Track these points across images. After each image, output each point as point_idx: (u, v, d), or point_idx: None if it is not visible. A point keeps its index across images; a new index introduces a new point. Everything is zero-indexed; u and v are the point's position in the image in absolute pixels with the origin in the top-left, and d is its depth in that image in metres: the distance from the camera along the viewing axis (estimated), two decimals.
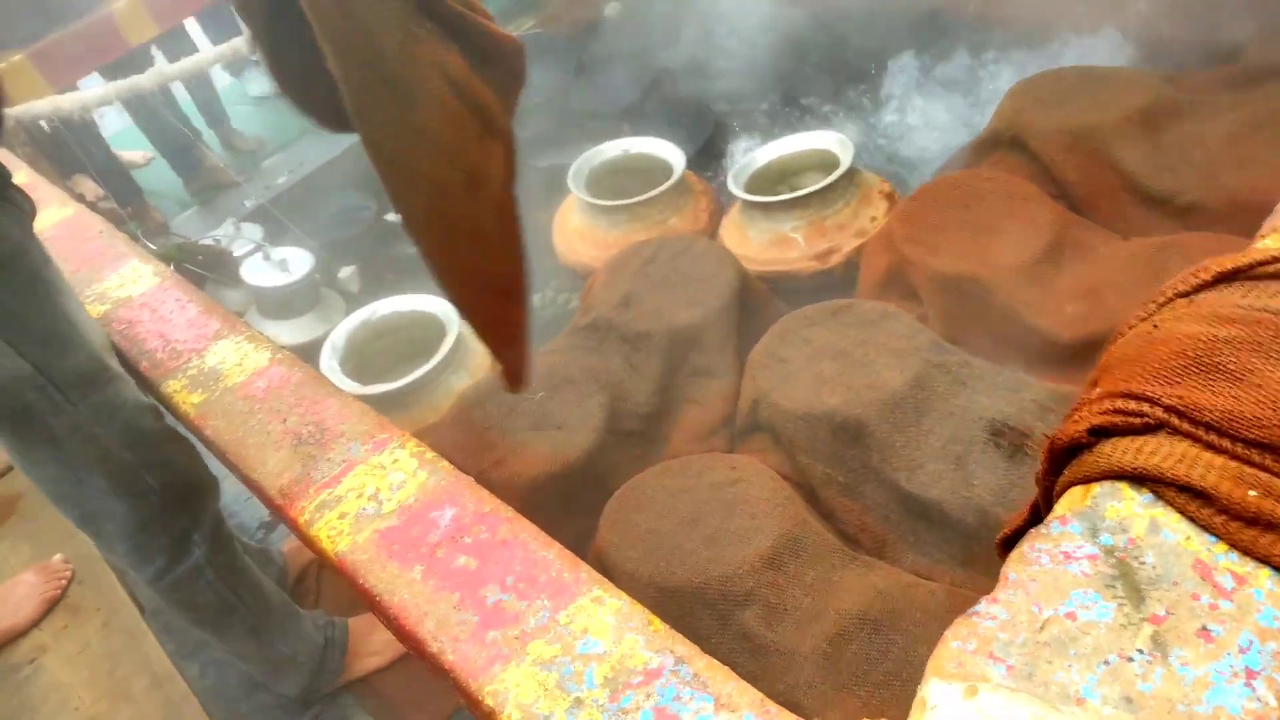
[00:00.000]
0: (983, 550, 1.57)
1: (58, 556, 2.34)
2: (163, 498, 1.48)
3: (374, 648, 1.90)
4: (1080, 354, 1.82)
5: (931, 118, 2.94)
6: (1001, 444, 1.61)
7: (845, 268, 2.45)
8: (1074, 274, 1.91)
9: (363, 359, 2.51)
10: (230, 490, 2.10)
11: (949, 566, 1.64)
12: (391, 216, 3.34)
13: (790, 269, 2.49)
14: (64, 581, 2.29)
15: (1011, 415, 1.64)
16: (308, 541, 1.10)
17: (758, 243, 2.54)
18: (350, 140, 3.73)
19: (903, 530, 1.71)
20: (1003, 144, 2.29)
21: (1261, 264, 0.83)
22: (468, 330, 2.44)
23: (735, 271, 2.23)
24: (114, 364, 1.43)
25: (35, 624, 2.21)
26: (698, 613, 1.55)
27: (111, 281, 1.64)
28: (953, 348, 1.83)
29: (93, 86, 3.06)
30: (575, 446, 1.94)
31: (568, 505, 1.92)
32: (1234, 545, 0.70)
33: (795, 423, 1.84)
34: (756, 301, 2.31)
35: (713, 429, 2.09)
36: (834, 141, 2.53)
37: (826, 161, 2.55)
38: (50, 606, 2.24)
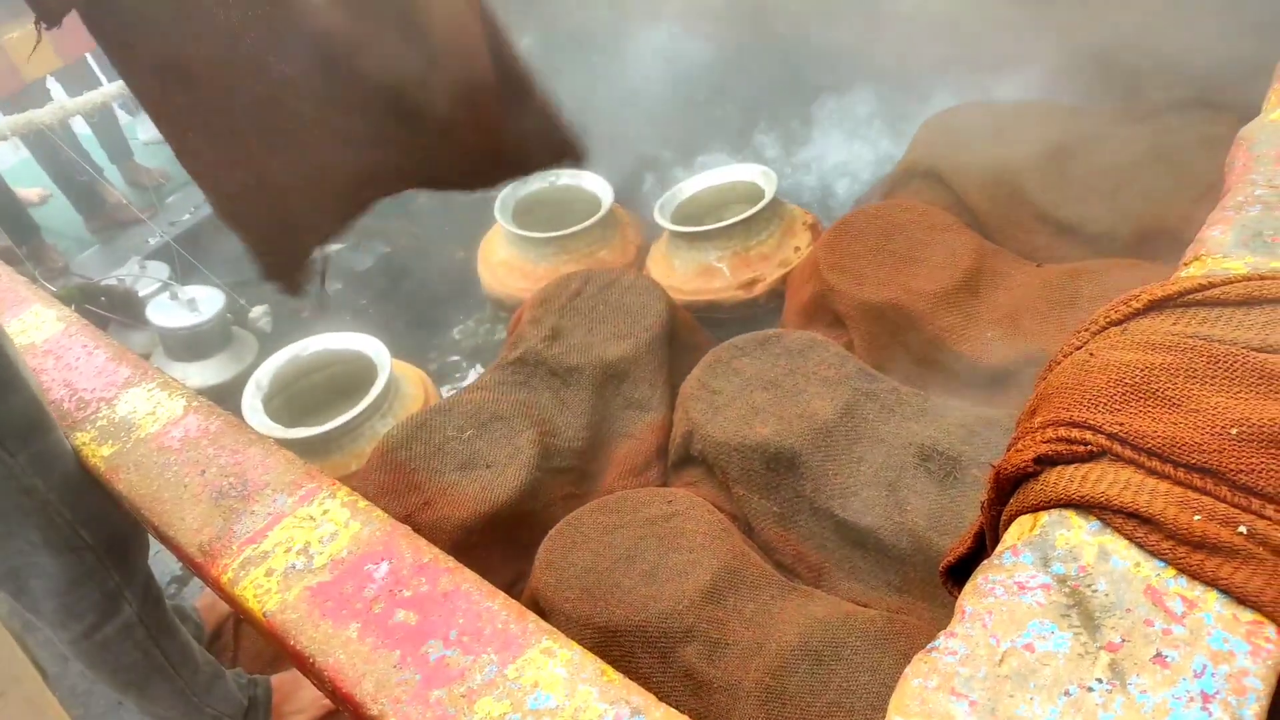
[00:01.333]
0: (918, 575, 1.58)
1: None
2: (96, 554, 1.39)
3: (299, 705, 1.82)
4: (1002, 378, 1.86)
5: (849, 152, 3.01)
6: (932, 469, 1.63)
7: (769, 296, 2.48)
8: (992, 300, 1.96)
9: (290, 397, 2.43)
10: None
11: (885, 593, 1.65)
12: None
13: (715, 298, 2.51)
14: None
15: (940, 440, 1.66)
16: (232, 602, 1.04)
17: (683, 273, 2.55)
18: None
19: (839, 558, 1.72)
20: (918, 176, 2.35)
21: (1189, 291, 0.85)
22: (399, 374, 2.38)
23: (664, 303, 2.23)
24: (50, 411, 1.34)
25: None
26: (638, 652, 1.52)
27: (13, 328, 1.54)
28: (881, 375, 1.85)
29: None
30: (506, 486, 1.90)
31: (500, 547, 1.87)
32: (1182, 570, 0.71)
33: (729, 454, 1.83)
34: (685, 333, 2.31)
35: (647, 462, 2.07)
36: (758, 174, 2.57)
37: (751, 194, 2.58)
38: None
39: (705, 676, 1.46)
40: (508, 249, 2.79)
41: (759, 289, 2.48)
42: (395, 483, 1.91)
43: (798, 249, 2.50)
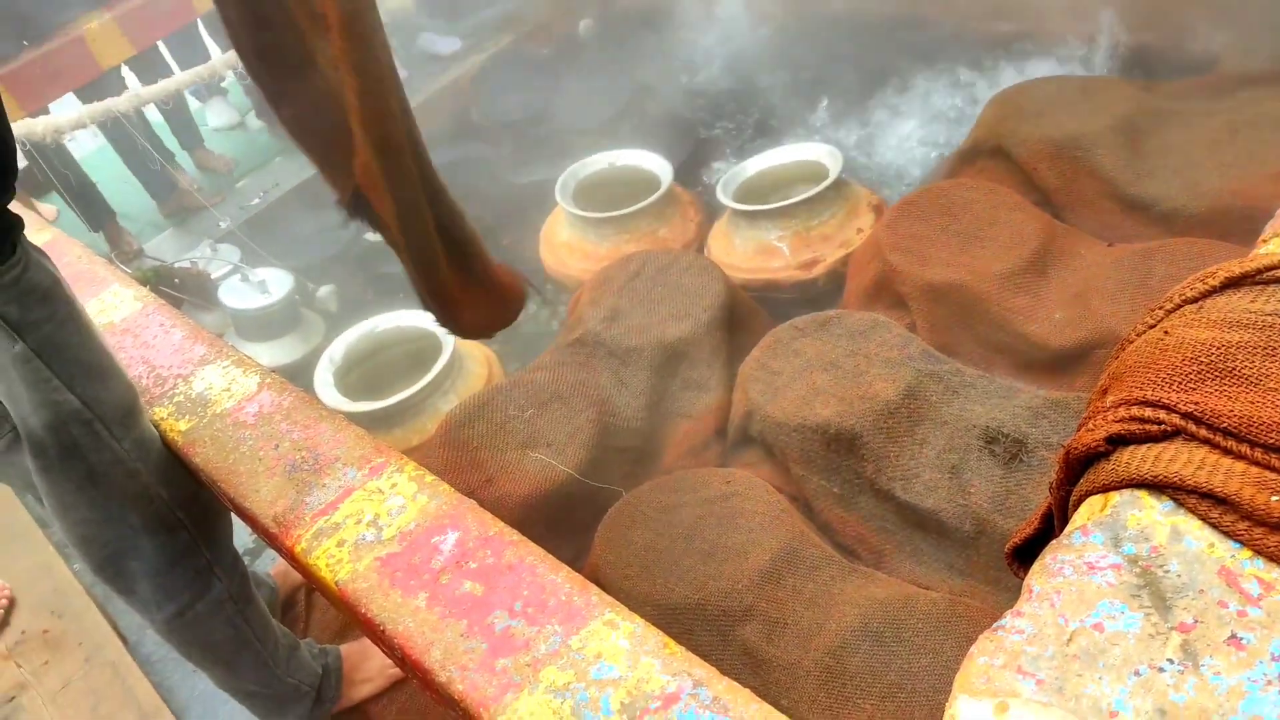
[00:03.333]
0: (981, 559, 1.56)
1: None
2: (190, 533, 1.44)
3: (367, 675, 1.87)
4: (1070, 360, 1.83)
5: (914, 130, 2.96)
6: (996, 451, 1.61)
7: (828, 278, 2.46)
8: (1061, 281, 1.92)
9: (364, 372, 2.52)
10: None
11: (947, 576, 1.63)
12: (370, 236, 3.31)
13: (774, 277, 2.50)
14: (5, 602, 2.25)
15: (1005, 422, 1.64)
16: (305, 571, 1.07)
17: (743, 251, 2.54)
18: None
19: (899, 540, 1.71)
20: (984, 154, 2.31)
21: (1268, 269, 0.83)
22: (464, 352, 2.42)
23: (722, 284, 2.22)
24: (142, 403, 1.39)
25: None
26: (697, 630, 1.53)
27: (92, 308, 1.60)
28: (944, 356, 1.83)
29: (65, 109, 3.01)
30: (566, 464, 1.92)
31: (560, 524, 1.89)
32: (1258, 551, 0.69)
33: (789, 434, 1.83)
34: (744, 314, 2.30)
35: (705, 443, 2.08)
36: (824, 153, 2.54)
37: (816, 174, 2.56)
38: None
39: (764, 655, 1.47)
40: (569, 230, 2.81)
41: (818, 269, 2.46)
42: (458, 460, 1.95)
43: (860, 230, 2.47)
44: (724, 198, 2.55)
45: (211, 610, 1.52)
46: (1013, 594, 1.55)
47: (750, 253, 2.52)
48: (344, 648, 1.91)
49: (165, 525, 1.40)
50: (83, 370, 1.25)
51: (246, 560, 2.45)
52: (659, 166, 2.76)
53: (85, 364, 1.26)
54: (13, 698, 2.05)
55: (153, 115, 4.10)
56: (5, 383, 1.21)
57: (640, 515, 1.71)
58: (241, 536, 2.45)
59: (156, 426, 1.36)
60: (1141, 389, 0.81)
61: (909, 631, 1.43)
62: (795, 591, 1.52)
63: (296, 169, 3.85)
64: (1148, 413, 0.79)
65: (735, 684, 0.79)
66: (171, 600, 1.48)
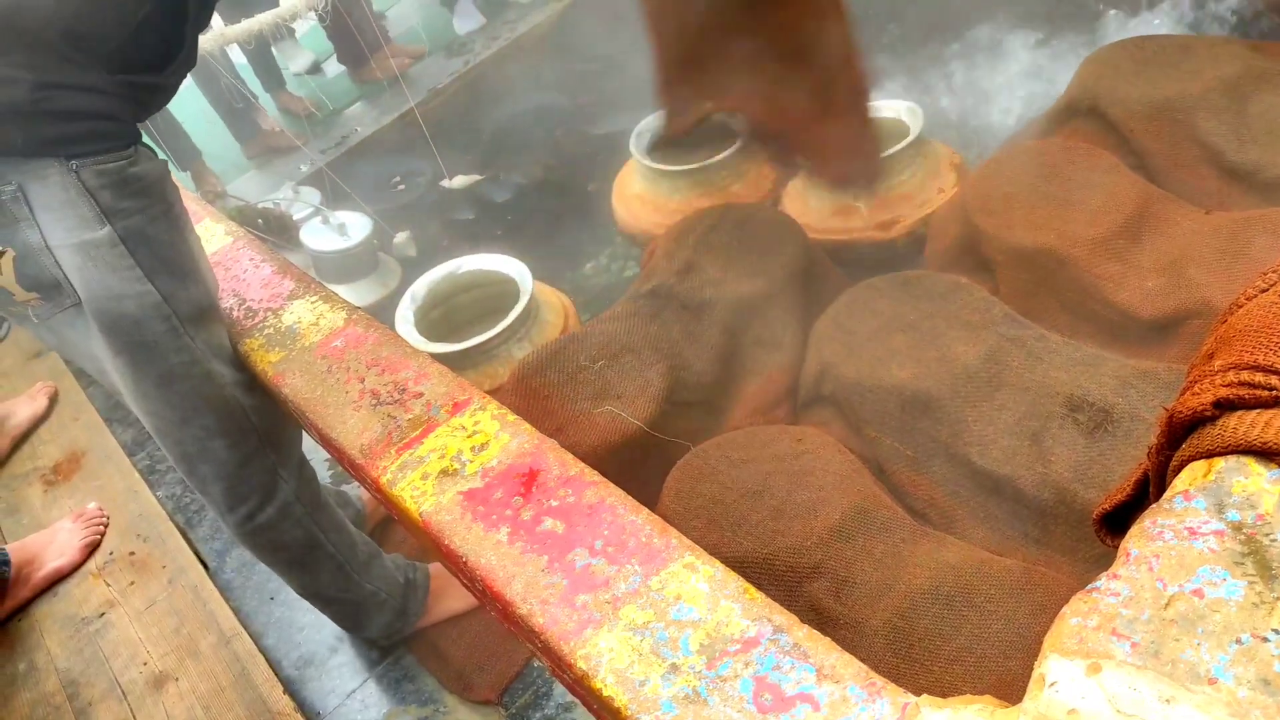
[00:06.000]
0: (1060, 529, 1.54)
1: (93, 504, 2.40)
2: (260, 437, 1.49)
3: (459, 591, 1.91)
4: (1161, 330, 1.77)
5: (1004, 89, 2.86)
6: (1081, 420, 1.57)
7: (907, 240, 2.40)
8: (1154, 248, 1.85)
9: (447, 310, 2.57)
10: None
11: (1022, 544, 1.61)
12: (446, 182, 3.34)
13: (851, 238, 2.45)
14: (102, 527, 2.36)
15: (1091, 391, 1.59)
16: (389, 502, 1.10)
17: (819, 210, 2.49)
18: (403, 107, 3.73)
19: (973, 507, 1.68)
20: (1079, 114, 2.22)
21: None
22: (543, 300, 2.45)
23: (800, 241, 2.20)
24: (220, 310, 1.45)
25: (78, 567, 2.27)
26: (764, 585, 1.53)
27: None
28: (1027, 322, 1.79)
29: None
30: (635, 417, 1.93)
31: (628, 475, 1.89)
32: None
33: (862, 395, 1.81)
34: (820, 272, 2.27)
35: (775, 401, 2.07)
36: (904, 110, 2.47)
37: (897, 130, 2.50)
38: (91, 551, 2.31)
39: (831, 613, 1.47)
40: (641, 183, 2.79)
41: (896, 230, 2.41)
42: (530, 408, 1.97)
43: (941, 190, 2.41)
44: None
45: (280, 514, 1.57)
46: (1091, 565, 1.52)
47: (826, 212, 2.48)
48: (433, 566, 1.95)
49: (237, 428, 1.45)
50: (165, 266, 1.29)
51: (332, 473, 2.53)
52: (734, 121, 2.71)
53: (169, 260, 1.30)
54: (102, 614, 2.15)
55: (236, 57, 4.17)
56: (87, 266, 1.24)
57: (709, 469, 1.72)
58: (325, 472, 2.53)
59: (247, 356, 1.40)
60: (1252, 353, 0.78)
61: (980, 597, 1.41)
62: (864, 551, 1.52)
63: (377, 114, 3.89)
64: (1258, 378, 0.76)
65: (815, 632, 0.80)
66: (242, 503, 1.54)
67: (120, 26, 1.18)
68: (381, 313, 2.88)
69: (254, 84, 4.21)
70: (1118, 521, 0.96)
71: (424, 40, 4.41)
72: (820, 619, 1.48)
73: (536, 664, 1.89)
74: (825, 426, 1.91)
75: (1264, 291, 0.88)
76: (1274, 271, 0.89)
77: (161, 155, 1.40)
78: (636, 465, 1.92)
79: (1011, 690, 1.16)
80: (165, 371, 1.33)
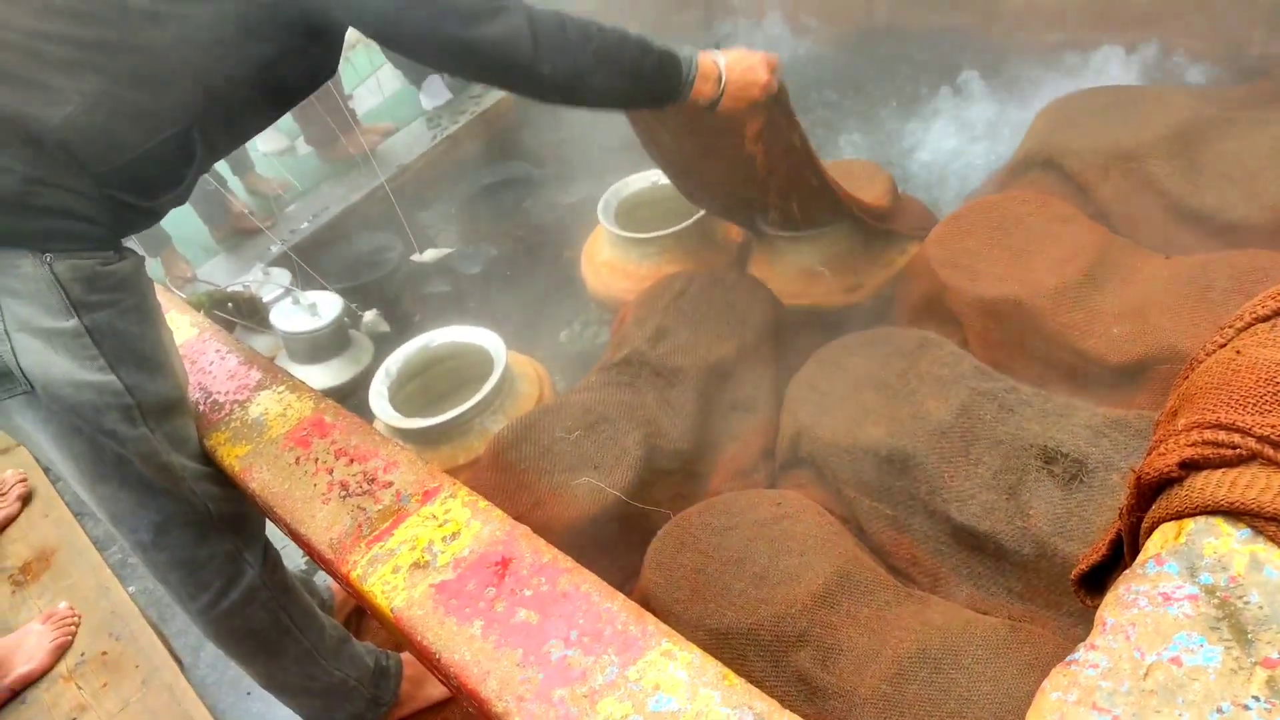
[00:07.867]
0: (1042, 583, 1.53)
1: (63, 604, 2.34)
2: (217, 525, 1.47)
3: (435, 682, 1.86)
4: (1130, 375, 1.78)
5: (959, 144, 2.93)
6: (1056, 472, 1.57)
7: (873, 301, 2.42)
8: (1118, 295, 1.87)
9: (424, 382, 2.57)
10: None
11: (1006, 600, 1.60)
12: (417, 256, 3.35)
13: (817, 302, 2.46)
14: (73, 627, 2.29)
15: (1064, 442, 1.60)
16: (360, 597, 1.08)
17: (785, 276, 2.51)
18: (373, 184, 3.73)
19: (955, 564, 1.67)
20: (1036, 165, 2.27)
21: None
22: (517, 371, 2.45)
23: (769, 303, 2.21)
24: (189, 403, 1.43)
25: (48, 671, 2.20)
26: (750, 655, 1.51)
27: None
28: (998, 374, 1.80)
29: None
30: (614, 486, 1.91)
31: (609, 547, 1.88)
32: None
33: (839, 455, 1.80)
34: (790, 333, 2.28)
35: (753, 464, 2.06)
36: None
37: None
38: (61, 654, 2.24)
39: (819, 682, 1.44)
40: (610, 250, 2.81)
41: (862, 293, 2.42)
42: (507, 483, 1.95)
43: (904, 251, 2.44)
44: (761, 223, 2.53)
45: (246, 598, 1.54)
46: (1075, 619, 1.51)
47: (792, 276, 2.49)
48: (407, 655, 1.90)
49: (192, 517, 1.43)
50: (132, 357, 1.28)
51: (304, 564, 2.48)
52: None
53: (136, 353, 1.29)
54: (74, 719, 2.08)
55: None
56: (47, 352, 1.22)
57: (690, 538, 1.70)
58: (297, 558, 2.49)
59: (213, 452, 1.38)
60: (1214, 411, 0.78)
61: (967, 658, 1.40)
62: (850, 616, 1.50)
63: (345, 192, 3.91)
64: (1221, 436, 0.76)
65: (797, 717, 0.78)
66: (204, 589, 1.50)
67: (120, 153, 1.19)
68: (356, 391, 2.86)
69: (222, 167, 4.22)
70: (1095, 581, 0.95)
71: (391, 117, 4.45)
72: (809, 689, 1.45)
73: None
74: (804, 488, 1.90)
75: (1222, 346, 0.88)
76: (1230, 326, 0.90)
77: (132, 246, 1.40)
78: (617, 535, 1.90)
79: None
80: (121, 460, 1.32)
